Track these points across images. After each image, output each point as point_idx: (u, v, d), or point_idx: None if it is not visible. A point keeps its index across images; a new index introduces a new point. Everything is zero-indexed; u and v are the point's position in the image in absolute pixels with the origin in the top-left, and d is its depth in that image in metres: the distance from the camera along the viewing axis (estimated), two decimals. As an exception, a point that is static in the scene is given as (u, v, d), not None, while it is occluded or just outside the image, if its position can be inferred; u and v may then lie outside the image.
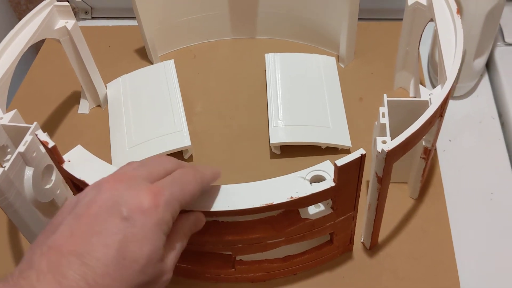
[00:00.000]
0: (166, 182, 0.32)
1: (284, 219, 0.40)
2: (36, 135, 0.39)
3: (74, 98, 0.65)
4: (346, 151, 0.55)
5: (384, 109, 0.42)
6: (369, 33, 0.69)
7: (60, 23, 0.54)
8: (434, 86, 0.64)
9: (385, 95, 0.43)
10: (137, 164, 0.34)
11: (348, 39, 0.62)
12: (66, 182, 0.43)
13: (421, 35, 0.55)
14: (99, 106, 0.64)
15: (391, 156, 0.37)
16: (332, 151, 0.55)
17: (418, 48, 0.57)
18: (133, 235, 0.29)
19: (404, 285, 0.45)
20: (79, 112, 0.63)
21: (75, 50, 0.57)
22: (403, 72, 0.60)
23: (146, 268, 0.29)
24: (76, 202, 0.31)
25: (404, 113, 0.43)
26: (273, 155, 0.56)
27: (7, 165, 0.41)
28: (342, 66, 0.65)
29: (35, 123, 0.44)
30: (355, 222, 0.43)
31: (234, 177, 0.37)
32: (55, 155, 0.38)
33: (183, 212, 0.34)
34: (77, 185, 0.40)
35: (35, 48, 0.73)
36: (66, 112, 0.63)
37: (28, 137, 0.42)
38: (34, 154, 0.43)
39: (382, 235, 0.48)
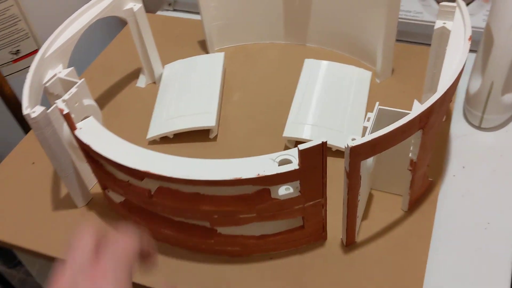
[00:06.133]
0: (108, 263, 0.30)
1: (256, 197, 0.44)
2: (56, 103, 0.47)
3: (137, 74, 0.74)
4: (354, 157, 0.58)
5: (371, 115, 0.45)
6: (410, 55, 0.71)
7: (129, 5, 0.64)
8: (468, 120, 0.64)
9: (377, 102, 0.46)
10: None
11: (384, 56, 0.65)
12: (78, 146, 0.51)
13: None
14: (154, 83, 0.73)
15: (355, 152, 0.40)
16: (342, 154, 0.58)
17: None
18: None
19: (367, 284, 0.47)
20: (136, 85, 0.73)
21: (138, 30, 0.66)
22: (430, 94, 0.61)
23: None
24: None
25: (391, 122, 0.46)
26: (286, 149, 0.61)
27: (51, 108, 0.50)
28: (378, 81, 0.68)
29: (82, 79, 0.53)
30: (325, 210, 0.47)
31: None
32: (69, 122, 0.47)
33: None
34: (85, 149, 0.49)
35: (114, 34, 0.84)
36: (127, 84, 0.73)
37: (73, 90, 0.52)
38: (76, 105, 0.52)
39: (363, 236, 0.51)
